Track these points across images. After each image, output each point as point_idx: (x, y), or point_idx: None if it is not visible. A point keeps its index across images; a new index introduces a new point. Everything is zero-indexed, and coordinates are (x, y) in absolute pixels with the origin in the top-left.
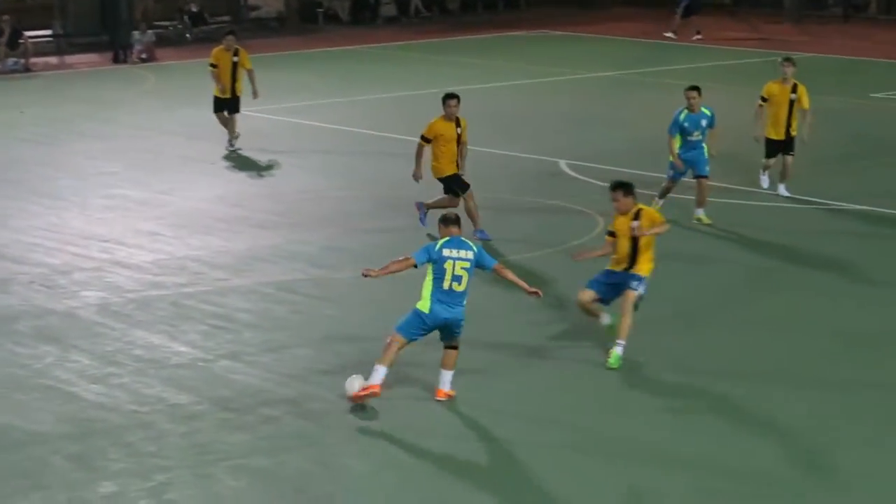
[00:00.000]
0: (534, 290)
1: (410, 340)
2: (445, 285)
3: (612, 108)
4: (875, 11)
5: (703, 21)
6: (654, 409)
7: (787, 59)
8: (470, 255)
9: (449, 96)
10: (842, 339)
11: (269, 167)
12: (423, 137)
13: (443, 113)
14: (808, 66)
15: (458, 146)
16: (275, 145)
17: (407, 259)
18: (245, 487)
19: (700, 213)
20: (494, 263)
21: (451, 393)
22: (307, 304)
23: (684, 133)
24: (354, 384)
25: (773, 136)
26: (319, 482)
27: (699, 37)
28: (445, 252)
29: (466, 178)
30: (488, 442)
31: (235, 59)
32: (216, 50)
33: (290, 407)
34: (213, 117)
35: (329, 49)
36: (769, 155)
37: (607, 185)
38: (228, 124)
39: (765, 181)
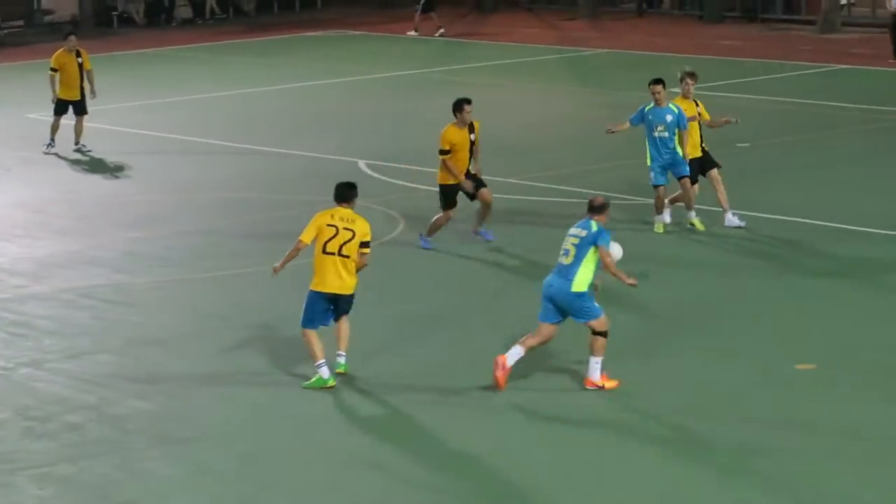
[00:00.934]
0: (631, 281)
1: (541, 321)
2: (559, 257)
3: (411, 107)
4: (669, 7)
5: (501, 18)
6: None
7: (691, 74)
8: (583, 232)
9: (465, 101)
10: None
11: (69, 172)
12: (442, 152)
13: (455, 120)
14: (604, 62)
15: (471, 152)
16: (73, 150)
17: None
18: (49, 496)
19: (692, 216)
20: (607, 245)
21: (599, 383)
22: (108, 309)
23: (648, 127)
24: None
25: (693, 155)
26: (124, 488)
27: (442, 31)
28: (572, 230)
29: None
30: (301, 447)
31: (79, 59)
32: (59, 52)
33: (93, 413)
34: (8, 122)
35: (125, 52)
36: (693, 179)
37: (408, 184)
38: (75, 125)
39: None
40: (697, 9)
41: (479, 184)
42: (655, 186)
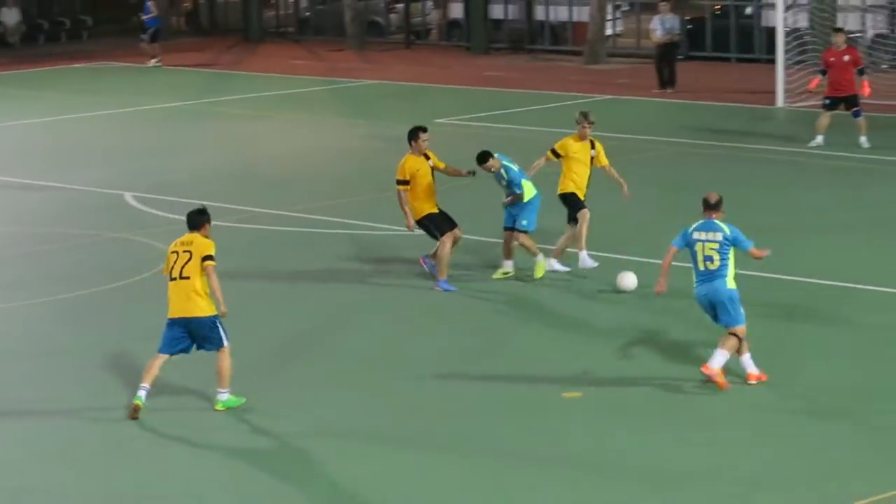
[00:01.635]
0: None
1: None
2: (700, 266)
3: (177, 139)
4: (436, 38)
5: (269, 49)
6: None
7: (587, 118)
8: (717, 235)
9: (420, 129)
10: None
11: None
12: (399, 182)
13: (411, 149)
14: (372, 93)
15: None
16: None
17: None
18: None
19: (540, 259)
20: (750, 246)
21: (714, 372)
22: None
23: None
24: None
25: (580, 195)
26: None
27: (157, 61)
28: (695, 235)
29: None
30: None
31: None
32: None
33: None
34: None
35: None
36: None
37: (174, 216)
38: None
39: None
40: (465, 40)
41: (451, 222)
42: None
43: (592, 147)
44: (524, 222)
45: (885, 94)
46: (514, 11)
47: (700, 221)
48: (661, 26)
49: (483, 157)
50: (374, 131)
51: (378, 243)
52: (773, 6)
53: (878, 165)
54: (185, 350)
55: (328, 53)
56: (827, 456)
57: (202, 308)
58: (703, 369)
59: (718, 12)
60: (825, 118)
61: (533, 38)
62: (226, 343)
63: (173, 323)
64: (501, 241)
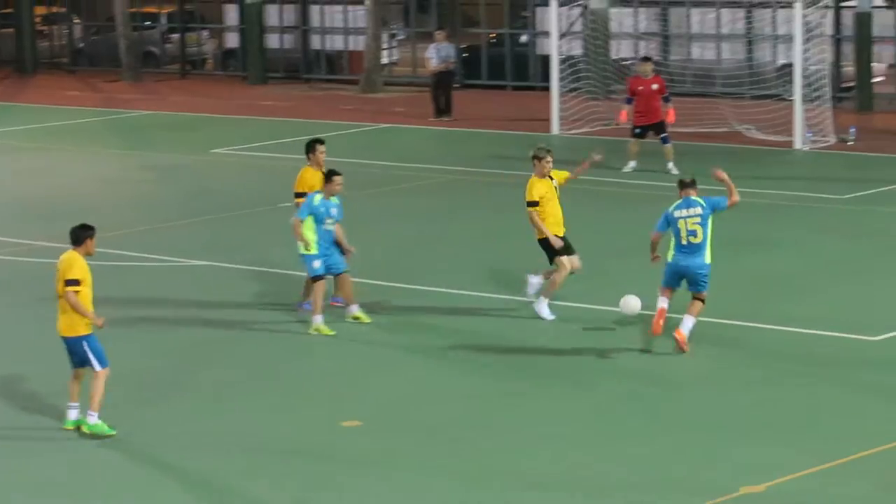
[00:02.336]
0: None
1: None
2: (683, 241)
3: None
4: (212, 68)
5: (43, 81)
6: None
7: (547, 151)
8: (698, 209)
9: (318, 141)
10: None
11: None
12: (298, 195)
13: (309, 162)
14: (147, 123)
15: None
16: None
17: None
18: None
19: (354, 310)
20: (726, 201)
21: (685, 337)
22: None
23: (319, 219)
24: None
25: (560, 235)
26: None
27: None
28: (676, 214)
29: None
30: None
31: None
32: None
33: None
34: None
35: None
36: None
37: None
38: None
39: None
40: (241, 70)
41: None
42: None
43: (552, 179)
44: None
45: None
46: (289, 41)
47: (678, 201)
48: (436, 55)
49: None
50: (149, 162)
51: (155, 275)
52: (547, 34)
53: (652, 191)
54: (73, 366)
55: (103, 84)
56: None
57: (68, 328)
58: (675, 333)
59: (494, 41)
60: (635, 145)
61: (309, 68)
62: (98, 367)
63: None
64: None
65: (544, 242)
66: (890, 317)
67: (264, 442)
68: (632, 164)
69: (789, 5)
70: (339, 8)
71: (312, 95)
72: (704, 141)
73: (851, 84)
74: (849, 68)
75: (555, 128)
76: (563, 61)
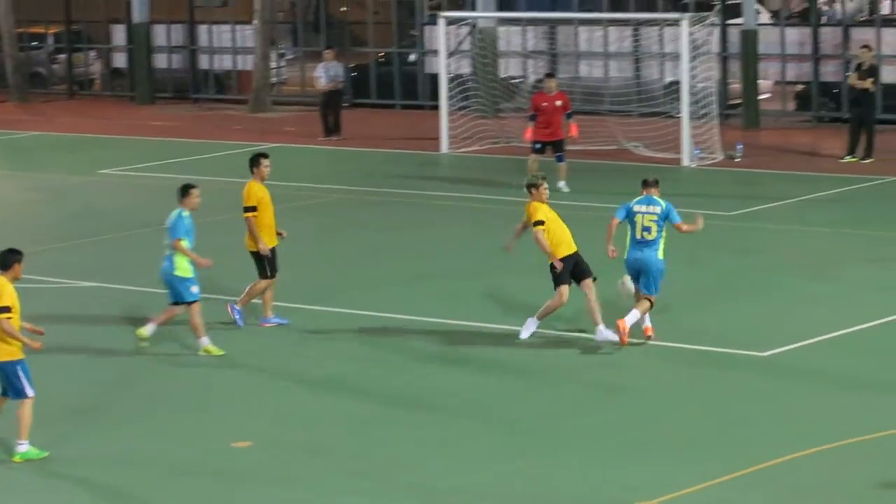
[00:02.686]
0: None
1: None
2: (638, 235)
3: None
4: (100, 88)
5: None
6: None
7: (543, 178)
8: (657, 209)
9: (262, 155)
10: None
11: None
12: (247, 209)
13: (254, 176)
14: (35, 144)
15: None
16: None
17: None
18: None
19: (205, 342)
20: (679, 221)
21: (627, 328)
22: None
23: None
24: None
25: (568, 252)
26: None
27: None
28: (636, 208)
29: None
30: None
31: None
32: None
33: None
34: None
35: None
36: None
37: None
38: None
39: None
40: (129, 90)
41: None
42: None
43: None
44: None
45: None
46: (178, 61)
47: (640, 197)
48: (325, 74)
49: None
50: (36, 183)
51: (45, 297)
52: (436, 53)
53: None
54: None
55: None
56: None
57: (4, 352)
58: (618, 322)
59: (382, 59)
60: (534, 162)
61: (198, 88)
62: (29, 393)
63: None
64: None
65: (551, 266)
66: (778, 332)
67: (164, 462)
68: (561, 183)
69: (676, 23)
70: (227, 27)
71: (201, 115)
72: (594, 158)
73: (738, 101)
74: (735, 85)
75: (444, 146)
76: (451, 80)
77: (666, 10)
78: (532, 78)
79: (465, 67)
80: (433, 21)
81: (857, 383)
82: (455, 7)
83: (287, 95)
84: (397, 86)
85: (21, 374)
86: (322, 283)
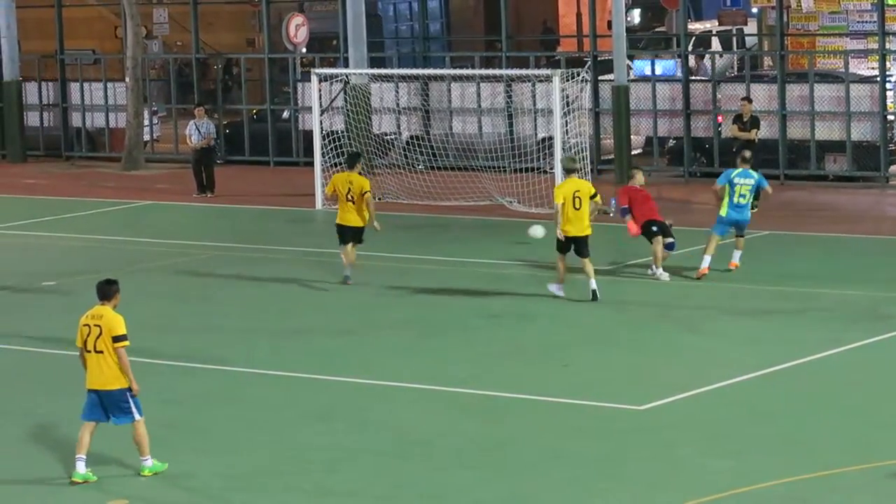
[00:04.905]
0: None
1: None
2: (735, 200)
3: None
4: None
5: None
6: None
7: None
8: (751, 181)
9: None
10: None
11: None
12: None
13: None
14: None
15: None
16: None
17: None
18: None
19: None
20: (766, 185)
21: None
22: None
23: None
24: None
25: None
26: None
27: None
28: (735, 179)
29: None
30: None
31: None
32: None
33: None
34: None
35: None
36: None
37: None
38: None
39: None
40: (0, 149)
41: None
42: None
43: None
44: None
45: (423, 194)
46: (49, 118)
47: (738, 170)
48: (196, 131)
49: None
50: None
51: None
52: (309, 110)
53: (414, 265)
54: (101, 419)
55: None
56: None
57: (112, 382)
58: (730, 265)
59: (256, 116)
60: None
61: (70, 145)
62: (138, 416)
63: (89, 393)
64: None
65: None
66: (653, 386)
67: None
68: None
69: (548, 80)
70: (99, 85)
71: (73, 173)
72: (467, 214)
73: (611, 156)
74: (608, 140)
75: (318, 203)
76: (325, 136)
77: (538, 67)
78: (406, 134)
79: (339, 124)
80: (306, 78)
81: (736, 436)
82: (328, 64)
83: (160, 153)
84: (271, 142)
85: (130, 398)
86: (188, 341)
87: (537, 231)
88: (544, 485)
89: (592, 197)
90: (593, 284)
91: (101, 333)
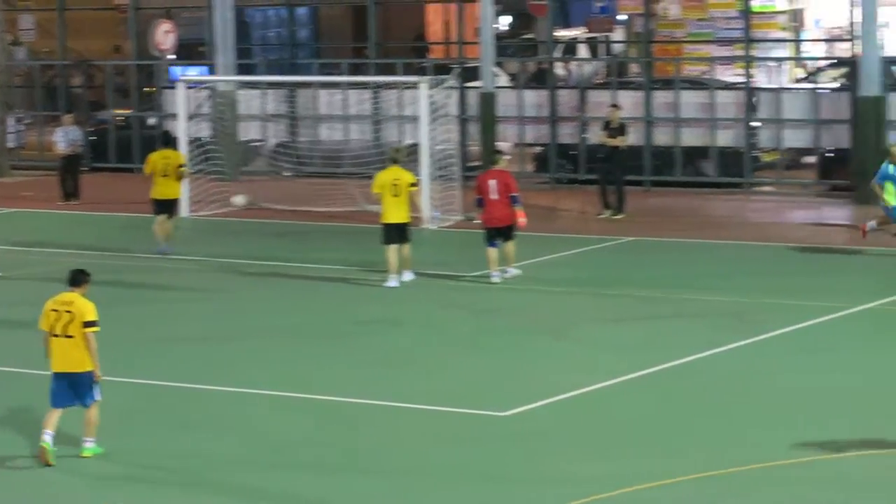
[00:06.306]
0: None
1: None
2: None
3: None
4: None
5: None
6: None
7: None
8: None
9: None
10: None
11: None
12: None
13: None
14: None
15: None
16: None
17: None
18: None
19: None
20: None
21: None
22: None
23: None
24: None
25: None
26: None
27: None
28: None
29: None
30: None
31: None
32: None
33: None
34: None
35: None
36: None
37: None
38: None
39: None
40: None
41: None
42: None
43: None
44: None
45: (290, 201)
46: None
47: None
48: (64, 138)
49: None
50: None
51: None
52: (175, 116)
53: (280, 271)
54: (72, 403)
55: None
56: None
57: (80, 363)
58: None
59: (122, 123)
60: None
61: None
62: (98, 397)
63: (56, 377)
64: None
65: None
66: (518, 391)
67: None
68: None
69: (415, 86)
70: None
71: None
72: (333, 221)
73: (478, 163)
74: (475, 147)
75: (184, 209)
76: (191, 143)
77: (405, 74)
78: (272, 141)
79: (205, 131)
80: (172, 85)
81: (601, 442)
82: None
83: (25, 159)
84: (137, 149)
85: (94, 381)
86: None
87: (238, 200)
88: (405, 491)
89: (412, 185)
90: (406, 276)
91: (72, 319)
